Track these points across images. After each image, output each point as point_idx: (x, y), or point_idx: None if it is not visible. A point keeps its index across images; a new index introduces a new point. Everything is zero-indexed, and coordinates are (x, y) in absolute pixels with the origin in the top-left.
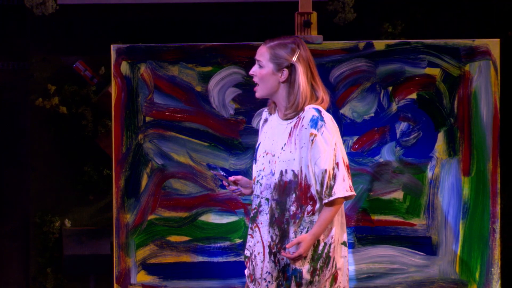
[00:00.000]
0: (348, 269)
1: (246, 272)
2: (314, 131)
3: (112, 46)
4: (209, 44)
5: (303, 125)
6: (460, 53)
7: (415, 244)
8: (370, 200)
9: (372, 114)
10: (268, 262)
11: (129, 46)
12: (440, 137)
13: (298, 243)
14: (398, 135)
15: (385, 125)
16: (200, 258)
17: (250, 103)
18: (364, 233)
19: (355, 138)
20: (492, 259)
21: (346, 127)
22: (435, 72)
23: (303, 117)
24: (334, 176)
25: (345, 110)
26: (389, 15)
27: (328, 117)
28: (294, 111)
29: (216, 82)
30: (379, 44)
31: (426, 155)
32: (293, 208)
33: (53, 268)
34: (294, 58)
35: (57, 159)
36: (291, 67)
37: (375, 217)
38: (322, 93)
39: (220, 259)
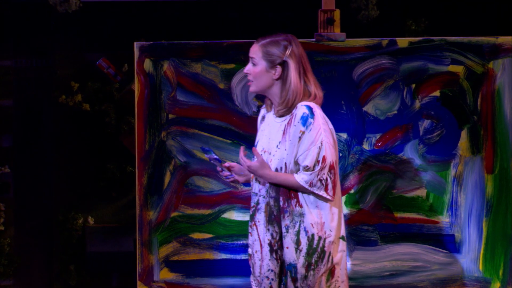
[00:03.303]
0: (346, 263)
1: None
2: (303, 128)
3: (135, 43)
4: (232, 41)
5: (294, 123)
6: (484, 51)
7: (438, 241)
8: (393, 198)
9: (395, 112)
10: (269, 260)
11: (152, 43)
12: (464, 134)
13: (260, 163)
14: (421, 133)
15: (408, 123)
16: (223, 256)
17: None
18: (387, 231)
19: (378, 135)
20: None
21: (369, 125)
22: (459, 69)
23: (295, 114)
24: (311, 171)
25: (368, 108)
26: (412, 12)
27: (318, 115)
28: (285, 107)
29: (239, 79)
30: (402, 42)
31: (449, 153)
32: (283, 203)
33: (76, 265)
34: (286, 55)
35: (80, 156)
36: (284, 64)
37: (398, 215)
38: (315, 88)
39: (243, 256)
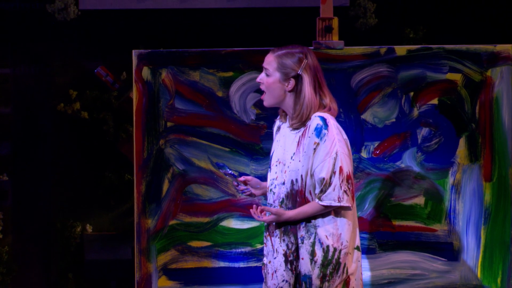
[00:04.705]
0: (361, 273)
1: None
2: (317, 140)
3: (133, 51)
4: (230, 49)
5: (308, 134)
6: (482, 59)
7: (437, 249)
8: (391, 206)
9: (393, 120)
10: (284, 270)
11: (151, 51)
12: (462, 142)
13: (275, 213)
14: (419, 141)
15: (406, 131)
16: (221, 264)
17: (271, 109)
18: (385, 239)
19: (376, 143)
20: None
21: (367, 133)
22: (457, 77)
23: (309, 125)
24: (329, 184)
25: (367, 116)
26: (410, 20)
27: (332, 125)
28: (299, 121)
29: (237, 87)
30: (401, 50)
31: (447, 161)
32: None
33: (74, 273)
34: (301, 68)
35: (78, 164)
36: (298, 77)
37: (396, 223)
38: (329, 101)
39: (241, 264)
